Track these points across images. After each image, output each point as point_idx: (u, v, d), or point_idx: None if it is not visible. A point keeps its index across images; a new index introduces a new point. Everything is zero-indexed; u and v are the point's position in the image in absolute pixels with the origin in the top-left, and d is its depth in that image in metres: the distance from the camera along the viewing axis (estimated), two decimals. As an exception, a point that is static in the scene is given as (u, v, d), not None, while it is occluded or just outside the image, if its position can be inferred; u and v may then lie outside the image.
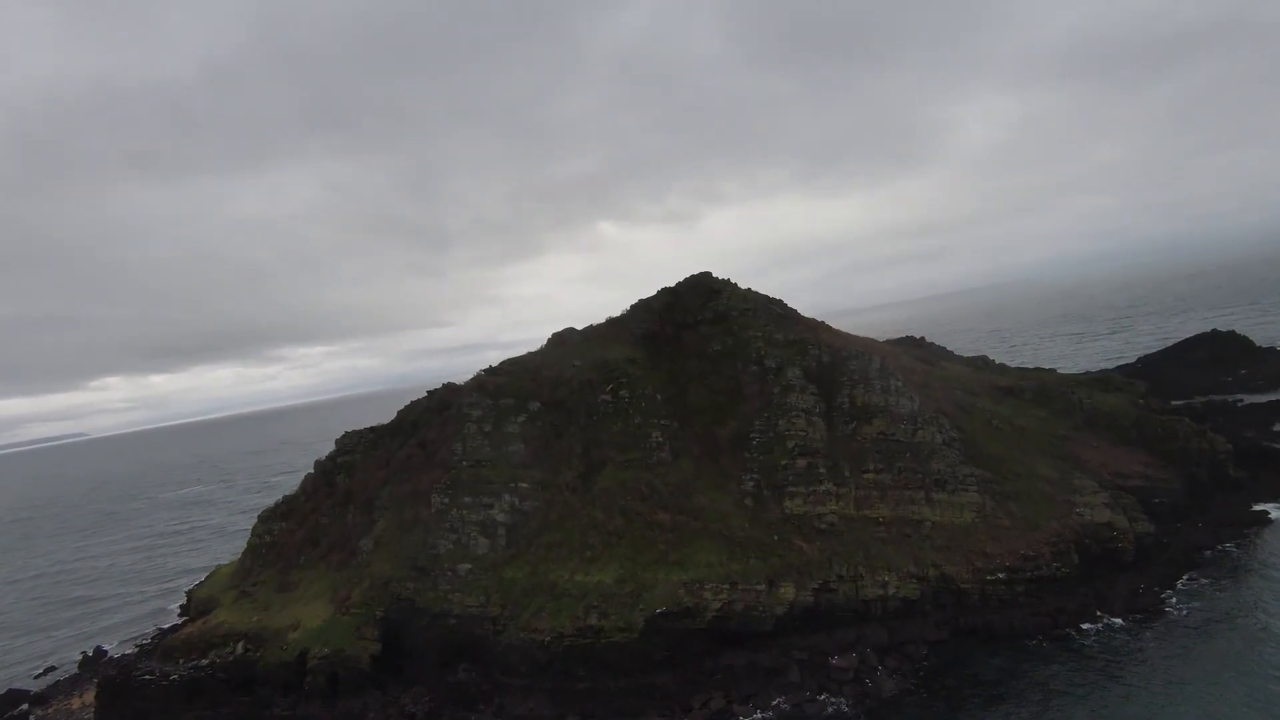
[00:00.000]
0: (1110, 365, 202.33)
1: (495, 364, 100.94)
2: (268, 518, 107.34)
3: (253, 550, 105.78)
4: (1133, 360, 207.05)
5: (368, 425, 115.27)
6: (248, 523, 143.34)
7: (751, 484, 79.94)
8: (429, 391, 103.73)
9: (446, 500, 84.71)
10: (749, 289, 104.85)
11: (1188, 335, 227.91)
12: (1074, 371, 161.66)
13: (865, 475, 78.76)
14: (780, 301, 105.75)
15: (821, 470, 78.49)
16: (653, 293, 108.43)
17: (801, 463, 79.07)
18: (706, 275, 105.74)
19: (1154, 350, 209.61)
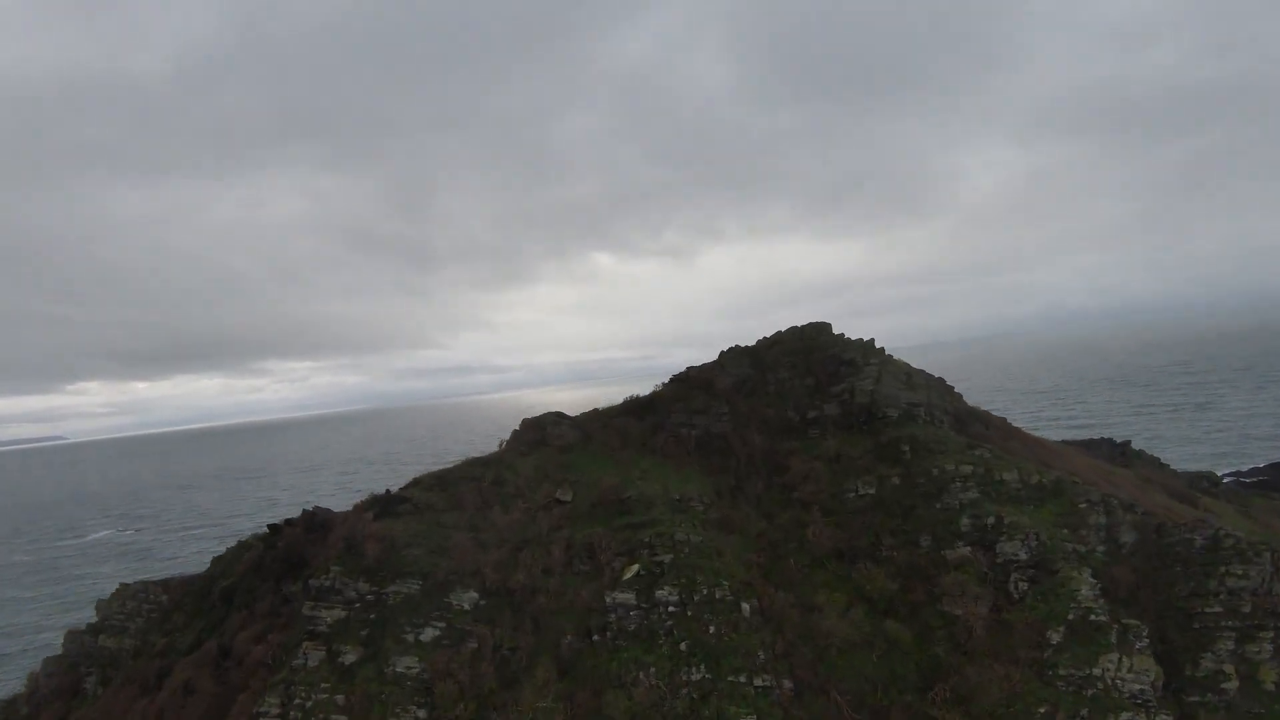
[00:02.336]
0: (1254, 460, 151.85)
1: (397, 489, 50.11)
2: (-42, 744, 56.11)
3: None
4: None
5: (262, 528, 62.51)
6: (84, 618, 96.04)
7: None
8: (270, 527, 52.67)
9: None
10: (899, 359, 54.88)
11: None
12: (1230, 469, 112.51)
13: None
14: (954, 391, 55.88)
15: None
16: (703, 353, 58.53)
17: None
18: (822, 329, 55.55)
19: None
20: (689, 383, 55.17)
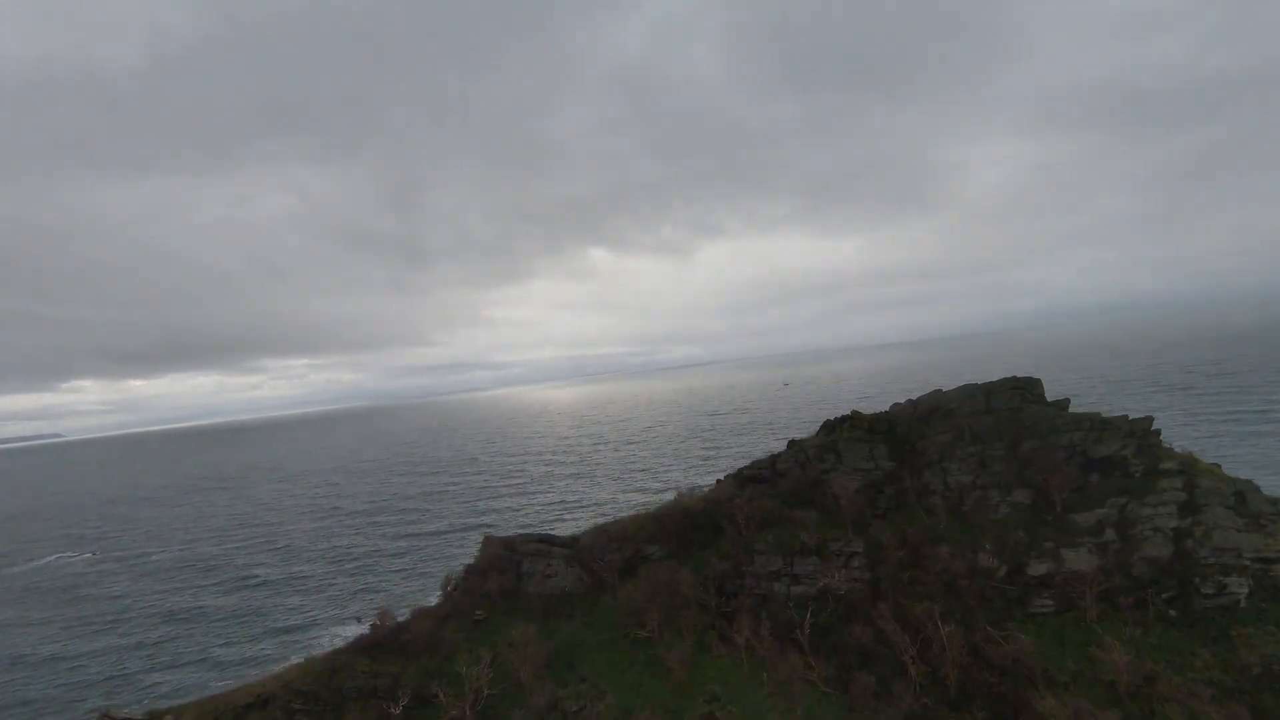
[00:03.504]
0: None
1: None
2: None
3: None
4: None
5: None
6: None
7: None
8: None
9: None
10: (1205, 461, 29.60)
11: None
12: None
13: None
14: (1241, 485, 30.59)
15: None
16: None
17: None
18: (1028, 392, 30.48)
19: None
20: (778, 487, 30.15)
